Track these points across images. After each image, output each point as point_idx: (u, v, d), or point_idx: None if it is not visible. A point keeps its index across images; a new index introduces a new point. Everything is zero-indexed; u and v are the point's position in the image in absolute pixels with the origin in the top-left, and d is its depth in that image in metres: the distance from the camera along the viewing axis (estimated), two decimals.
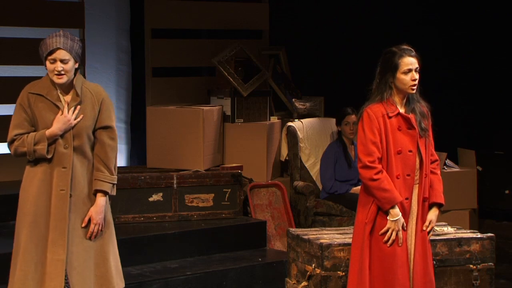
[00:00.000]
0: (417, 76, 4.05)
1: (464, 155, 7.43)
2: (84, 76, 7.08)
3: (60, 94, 3.94)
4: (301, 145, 6.93)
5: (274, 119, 7.12)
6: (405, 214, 4.07)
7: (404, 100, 4.12)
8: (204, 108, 6.60)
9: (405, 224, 4.05)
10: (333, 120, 6.90)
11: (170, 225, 5.94)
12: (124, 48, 7.56)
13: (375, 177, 4.00)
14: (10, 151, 3.97)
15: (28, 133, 3.90)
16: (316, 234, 4.86)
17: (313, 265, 4.67)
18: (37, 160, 3.91)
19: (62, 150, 3.90)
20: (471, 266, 4.77)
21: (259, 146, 6.80)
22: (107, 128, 4.03)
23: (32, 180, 3.93)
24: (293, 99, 7.31)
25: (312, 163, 6.95)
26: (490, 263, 4.82)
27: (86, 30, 7.06)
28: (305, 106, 7.31)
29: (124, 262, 5.45)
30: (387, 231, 4.04)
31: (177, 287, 5.29)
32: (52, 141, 3.90)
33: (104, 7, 7.44)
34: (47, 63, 3.89)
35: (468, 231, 5.06)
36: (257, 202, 6.59)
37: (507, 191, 7.64)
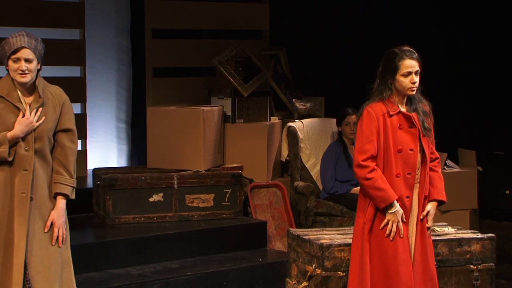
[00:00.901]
0: (416, 79, 4.06)
1: (464, 156, 7.43)
2: (85, 76, 7.11)
3: (20, 96, 3.85)
4: (301, 145, 6.93)
5: (274, 120, 7.12)
6: (406, 212, 4.08)
7: (405, 100, 4.14)
8: (205, 108, 6.60)
9: (404, 216, 4.06)
10: (334, 121, 6.90)
11: (171, 225, 5.94)
12: (124, 48, 7.56)
13: (368, 176, 4.02)
14: None
15: None
16: (317, 235, 4.86)
17: (314, 265, 4.67)
18: None
19: (23, 152, 3.82)
20: (471, 266, 4.77)
21: (259, 147, 6.80)
22: (68, 131, 3.95)
23: None
24: (294, 99, 7.31)
25: (312, 163, 6.95)
26: (491, 264, 4.82)
27: (87, 30, 7.06)
28: (305, 107, 7.31)
29: (125, 263, 5.49)
30: (388, 224, 4.06)
31: (177, 287, 5.29)
32: (13, 143, 3.82)
33: (105, 7, 7.44)
34: (10, 62, 3.81)
35: (469, 231, 5.06)
36: (257, 202, 6.59)
37: (507, 191, 7.64)
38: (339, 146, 6.68)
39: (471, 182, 7.19)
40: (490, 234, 4.87)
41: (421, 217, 4.10)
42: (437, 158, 4.18)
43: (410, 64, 4.05)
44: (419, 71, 4.08)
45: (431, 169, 4.15)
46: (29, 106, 3.85)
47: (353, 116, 6.65)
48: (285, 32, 7.79)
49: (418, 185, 4.10)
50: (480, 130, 7.82)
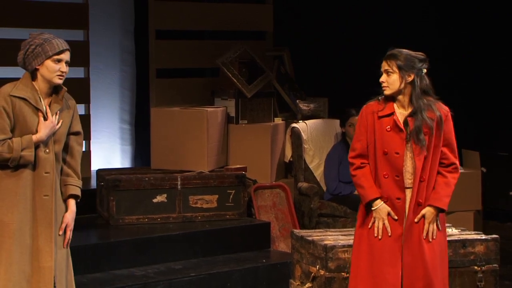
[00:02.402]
0: (383, 78, 4.07)
1: (468, 156, 7.42)
2: (88, 77, 7.11)
3: (41, 98, 3.84)
4: (305, 146, 6.92)
5: (278, 120, 7.12)
6: (398, 214, 4.06)
7: (407, 102, 4.11)
8: (208, 109, 6.60)
9: (393, 213, 4.04)
10: (337, 121, 6.90)
11: (174, 226, 5.94)
12: (128, 49, 7.57)
13: (353, 172, 4.16)
14: None
15: (9, 138, 3.76)
16: (320, 236, 4.86)
17: (317, 266, 4.67)
18: (8, 166, 3.76)
19: (43, 155, 3.81)
20: (475, 267, 4.76)
21: (263, 147, 6.80)
22: (78, 133, 3.97)
23: (9, 187, 3.78)
24: (297, 100, 7.31)
25: (316, 164, 6.95)
26: (495, 265, 4.81)
27: (90, 31, 7.07)
28: (309, 107, 7.31)
29: (128, 263, 5.49)
30: (374, 222, 4.08)
31: None
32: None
33: (108, 8, 7.45)
34: (49, 62, 3.80)
35: (473, 232, 5.06)
36: (261, 203, 6.59)
37: (511, 192, 7.62)
38: (343, 147, 6.68)
39: (475, 183, 7.18)
40: (494, 235, 4.86)
41: (416, 219, 4.08)
42: (452, 164, 4.11)
43: (382, 65, 4.09)
44: (389, 70, 4.06)
45: (440, 174, 4.12)
46: (49, 109, 3.85)
47: (357, 117, 6.63)
48: (288, 33, 7.78)
49: (410, 190, 4.08)
50: (483, 131, 7.81)
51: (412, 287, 4.04)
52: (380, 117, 4.08)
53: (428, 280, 4.05)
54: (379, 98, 4.12)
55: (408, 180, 4.06)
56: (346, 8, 7.86)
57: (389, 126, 4.07)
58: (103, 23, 7.39)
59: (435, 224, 4.09)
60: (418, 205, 4.08)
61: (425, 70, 4.12)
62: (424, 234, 4.06)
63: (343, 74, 7.71)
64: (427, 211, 4.06)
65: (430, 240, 4.08)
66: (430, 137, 4.06)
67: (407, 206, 4.07)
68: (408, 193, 4.07)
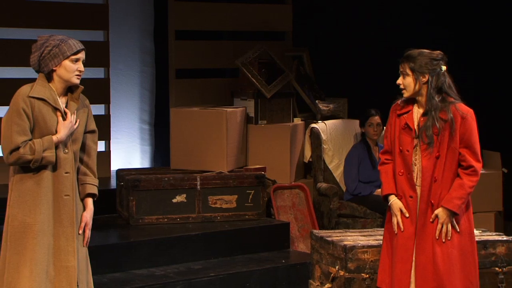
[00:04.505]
0: (399, 80, 4.12)
1: (489, 157, 7.38)
2: (108, 78, 7.14)
3: (58, 98, 3.85)
4: (324, 146, 6.91)
5: (297, 121, 7.11)
6: (410, 212, 4.11)
7: (425, 102, 4.11)
8: (228, 109, 6.60)
9: (404, 210, 4.12)
10: (357, 122, 6.88)
11: (194, 226, 5.95)
12: (148, 49, 7.59)
13: (378, 167, 4.30)
14: (9, 159, 3.76)
15: (30, 140, 3.77)
16: (340, 236, 4.85)
17: (337, 267, 4.66)
18: (29, 168, 3.78)
19: (63, 155, 3.82)
20: (496, 269, 4.73)
21: (282, 148, 6.79)
22: (94, 132, 3.99)
23: (30, 188, 3.80)
24: (317, 101, 7.30)
25: (335, 164, 6.93)
26: None
27: (110, 32, 7.10)
28: (328, 108, 7.29)
29: (148, 263, 5.50)
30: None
31: None
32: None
33: (128, 9, 7.47)
34: (67, 62, 3.81)
35: (494, 233, 5.03)
36: (280, 203, 6.58)
37: None
38: (363, 147, 6.66)
39: (496, 184, 7.14)
40: None
41: (431, 219, 4.09)
42: (470, 167, 4.08)
43: (399, 67, 4.14)
44: (403, 72, 4.09)
45: (458, 176, 4.09)
46: (66, 108, 3.87)
47: (376, 117, 6.63)
48: (308, 33, 7.77)
49: (419, 187, 4.10)
50: (505, 132, 7.76)
51: (422, 285, 4.06)
52: (398, 116, 4.16)
53: (439, 282, 4.05)
54: (404, 97, 4.18)
55: (419, 178, 4.09)
56: (366, 8, 7.83)
57: (404, 125, 4.13)
58: (123, 23, 7.42)
59: (449, 225, 4.07)
60: (430, 206, 4.07)
61: (444, 68, 4.09)
62: (437, 234, 4.07)
63: (363, 74, 7.69)
64: (439, 211, 4.08)
65: (444, 240, 4.07)
66: (442, 137, 4.05)
67: (418, 204, 4.08)
68: (418, 190, 4.09)
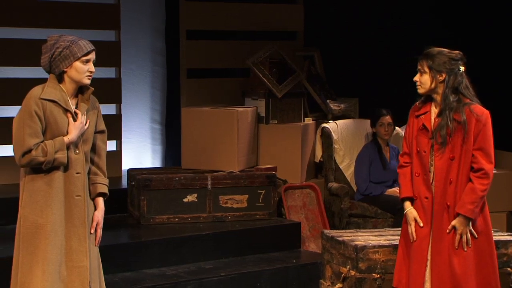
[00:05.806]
0: (416, 77, 4.11)
1: (501, 157, 7.35)
2: (120, 77, 7.16)
3: (68, 99, 3.87)
4: (335, 146, 6.90)
5: (308, 120, 7.10)
6: (425, 213, 4.10)
7: (440, 102, 4.10)
8: (239, 109, 6.60)
9: (418, 219, 4.12)
10: (368, 122, 6.87)
11: (205, 226, 5.95)
12: (159, 49, 7.60)
13: (397, 170, 4.30)
14: (21, 161, 3.77)
15: (42, 142, 3.78)
16: (351, 236, 4.84)
17: (348, 267, 4.65)
18: (41, 169, 3.79)
19: (74, 156, 3.84)
20: (508, 269, 4.72)
21: (293, 147, 6.79)
22: (103, 132, 4.01)
23: (42, 189, 3.81)
24: (328, 100, 7.29)
25: (346, 164, 6.92)
26: None
27: (122, 32, 7.11)
28: (339, 107, 7.28)
29: (159, 263, 5.51)
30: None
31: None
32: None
33: (139, 9, 7.48)
34: (78, 63, 3.82)
35: (506, 233, 5.01)
36: (291, 203, 6.58)
37: None
38: (374, 147, 6.65)
39: (508, 184, 7.12)
40: None
41: (447, 231, 4.07)
42: (480, 170, 4.04)
43: (418, 64, 4.13)
44: (421, 70, 4.08)
45: (470, 179, 4.07)
46: (77, 109, 3.88)
47: (387, 117, 6.62)
48: (319, 33, 7.76)
49: (433, 188, 4.10)
50: None
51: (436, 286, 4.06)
52: (417, 116, 4.16)
53: (456, 283, 4.04)
54: (422, 98, 4.17)
55: (434, 179, 4.09)
56: (377, 8, 7.82)
57: (421, 125, 4.13)
58: (134, 23, 7.43)
59: (468, 234, 4.06)
60: (446, 207, 4.05)
61: (462, 69, 4.08)
62: (456, 244, 4.05)
63: (374, 74, 7.68)
64: (456, 222, 4.05)
65: (465, 249, 4.06)
66: (455, 138, 4.03)
67: (433, 206, 4.08)
68: (433, 191, 4.09)
